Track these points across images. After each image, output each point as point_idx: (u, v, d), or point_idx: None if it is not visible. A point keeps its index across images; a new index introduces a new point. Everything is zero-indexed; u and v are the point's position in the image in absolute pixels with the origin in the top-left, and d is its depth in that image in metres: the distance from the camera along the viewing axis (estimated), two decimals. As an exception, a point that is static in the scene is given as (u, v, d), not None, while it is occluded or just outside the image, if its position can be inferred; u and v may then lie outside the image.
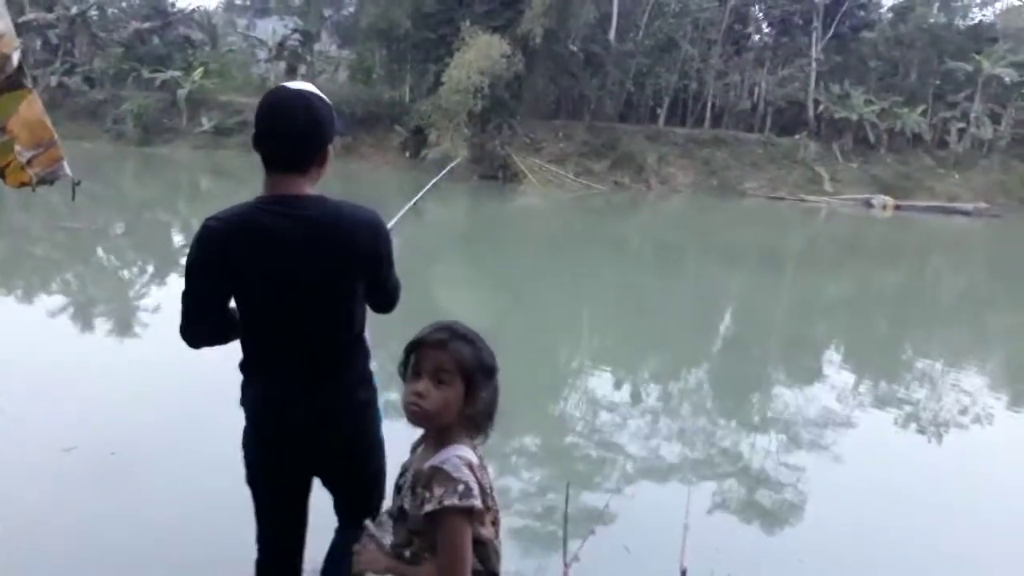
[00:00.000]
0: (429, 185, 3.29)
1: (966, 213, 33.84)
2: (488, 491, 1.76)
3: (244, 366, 2.20)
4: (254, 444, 2.21)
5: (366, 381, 2.21)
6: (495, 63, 30.35)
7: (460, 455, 1.71)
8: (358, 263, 2.09)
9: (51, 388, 6.24)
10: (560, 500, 2.99)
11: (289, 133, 2.03)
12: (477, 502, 1.67)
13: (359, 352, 2.20)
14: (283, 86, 2.17)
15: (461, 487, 1.66)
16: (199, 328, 2.16)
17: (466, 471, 1.69)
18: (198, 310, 2.13)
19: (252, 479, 2.26)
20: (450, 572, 1.68)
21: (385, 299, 2.27)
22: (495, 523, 1.82)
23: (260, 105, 2.09)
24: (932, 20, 39.75)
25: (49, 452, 5.03)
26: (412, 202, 3.08)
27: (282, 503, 2.26)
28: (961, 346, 11.81)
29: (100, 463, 4.95)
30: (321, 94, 2.11)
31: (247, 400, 2.20)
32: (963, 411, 8.05)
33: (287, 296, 2.06)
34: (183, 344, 2.22)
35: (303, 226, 2.02)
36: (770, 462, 6.28)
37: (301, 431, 2.12)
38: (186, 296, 2.12)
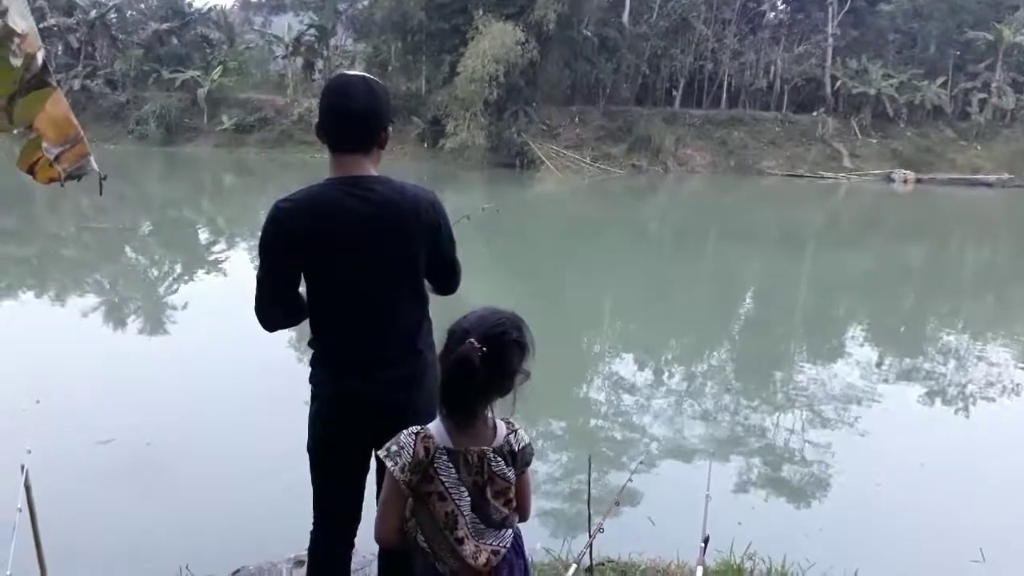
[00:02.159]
0: (462, 217, 3.35)
1: (989, 184, 33.37)
2: (433, 472, 1.78)
3: (317, 342, 2.31)
4: (329, 415, 2.30)
5: (433, 348, 2.30)
6: (509, 51, 30.30)
7: (431, 424, 1.85)
8: (424, 235, 2.24)
9: (87, 383, 6.44)
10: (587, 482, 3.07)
11: (355, 112, 2.19)
12: (392, 465, 1.78)
13: (424, 317, 2.33)
14: (344, 72, 2.35)
15: (394, 447, 1.81)
16: (276, 309, 2.27)
17: (411, 439, 1.81)
18: (274, 291, 2.24)
19: (317, 448, 2.34)
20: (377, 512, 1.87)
21: (449, 277, 2.40)
22: (450, 514, 1.79)
23: (326, 89, 2.26)
24: (951, -11, 39.08)
25: (86, 444, 5.20)
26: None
27: (345, 472, 2.35)
28: (987, 319, 11.72)
29: (136, 454, 5.11)
30: (377, 82, 2.30)
31: (324, 375, 2.30)
32: (990, 384, 8.03)
33: (365, 269, 2.20)
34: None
35: (374, 203, 2.17)
36: (793, 439, 6.33)
37: (377, 397, 2.23)
38: (262, 278, 2.22)
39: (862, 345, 9.70)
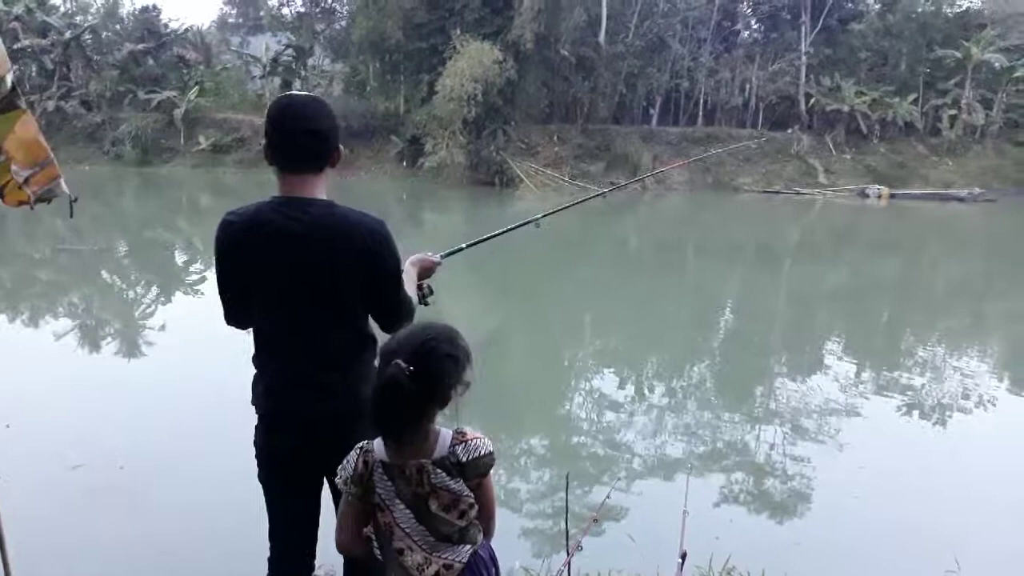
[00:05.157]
0: (494, 234, 3.32)
1: (960, 199, 33.98)
2: (372, 486, 1.83)
3: (255, 360, 2.31)
4: (262, 439, 2.31)
5: (370, 380, 2.25)
6: (487, 70, 30.48)
7: (377, 438, 1.88)
8: (355, 261, 2.19)
9: (59, 407, 6.34)
10: (569, 499, 3.06)
11: (301, 132, 2.17)
12: (338, 478, 1.88)
13: (364, 351, 2.27)
14: (291, 93, 2.34)
15: (344, 461, 1.89)
16: (232, 312, 2.32)
17: (355, 453, 1.88)
18: (228, 296, 2.29)
19: (262, 475, 2.35)
20: None
21: (393, 316, 2.31)
22: (387, 525, 1.84)
23: (271, 110, 2.23)
24: (920, 9, 39.94)
25: (58, 469, 5.11)
26: (472, 243, 3.16)
27: (290, 499, 2.34)
28: (961, 331, 11.88)
29: (108, 478, 5.03)
30: (325, 101, 2.30)
31: (256, 395, 2.31)
32: (965, 396, 8.11)
33: (290, 292, 2.19)
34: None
35: (305, 224, 2.15)
36: (772, 453, 6.36)
37: (303, 427, 2.22)
38: (217, 283, 2.29)
39: (840, 358, 9.78)
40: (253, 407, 2.31)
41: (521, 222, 3.47)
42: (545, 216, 3.51)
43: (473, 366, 1.82)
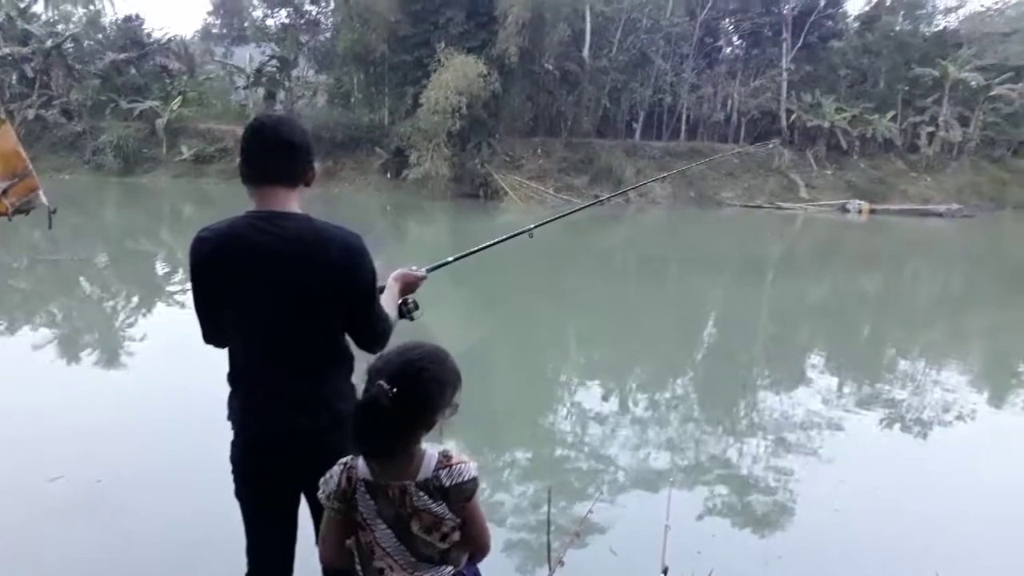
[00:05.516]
0: (483, 246, 3.29)
1: (939, 215, 34.48)
2: (355, 503, 1.82)
3: (230, 377, 2.28)
4: (239, 455, 2.29)
5: (346, 395, 2.25)
6: (472, 83, 30.59)
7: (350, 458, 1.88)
8: (331, 275, 2.18)
9: (36, 419, 6.25)
10: (552, 513, 3.04)
11: (277, 145, 2.19)
12: (320, 493, 1.88)
13: (339, 365, 2.27)
14: (266, 112, 2.36)
15: (327, 475, 1.88)
16: (211, 329, 2.31)
17: (338, 469, 1.87)
18: (204, 313, 2.29)
19: (238, 491, 2.33)
20: None
21: (368, 333, 2.30)
22: (368, 544, 1.83)
23: (247, 128, 2.24)
24: (898, 28, 40.65)
25: (35, 481, 5.04)
26: (459, 256, 3.12)
27: (267, 514, 2.33)
28: (941, 345, 11.98)
29: (86, 492, 4.97)
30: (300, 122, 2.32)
31: (232, 412, 2.29)
32: (945, 409, 8.16)
33: (265, 307, 2.18)
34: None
35: (280, 237, 2.15)
36: (755, 466, 6.37)
37: (280, 441, 2.20)
38: (193, 302, 2.30)
39: (822, 372, 9.83)
40: (229, 421, 2.30)
41: (514, 232, 3.45)
42: (539, 226, 3.51)
43: (463, 387, 1.80)
